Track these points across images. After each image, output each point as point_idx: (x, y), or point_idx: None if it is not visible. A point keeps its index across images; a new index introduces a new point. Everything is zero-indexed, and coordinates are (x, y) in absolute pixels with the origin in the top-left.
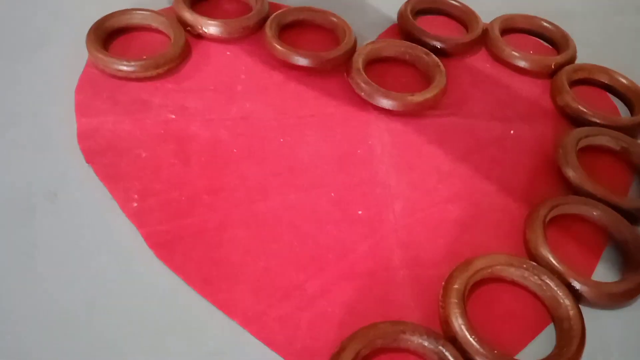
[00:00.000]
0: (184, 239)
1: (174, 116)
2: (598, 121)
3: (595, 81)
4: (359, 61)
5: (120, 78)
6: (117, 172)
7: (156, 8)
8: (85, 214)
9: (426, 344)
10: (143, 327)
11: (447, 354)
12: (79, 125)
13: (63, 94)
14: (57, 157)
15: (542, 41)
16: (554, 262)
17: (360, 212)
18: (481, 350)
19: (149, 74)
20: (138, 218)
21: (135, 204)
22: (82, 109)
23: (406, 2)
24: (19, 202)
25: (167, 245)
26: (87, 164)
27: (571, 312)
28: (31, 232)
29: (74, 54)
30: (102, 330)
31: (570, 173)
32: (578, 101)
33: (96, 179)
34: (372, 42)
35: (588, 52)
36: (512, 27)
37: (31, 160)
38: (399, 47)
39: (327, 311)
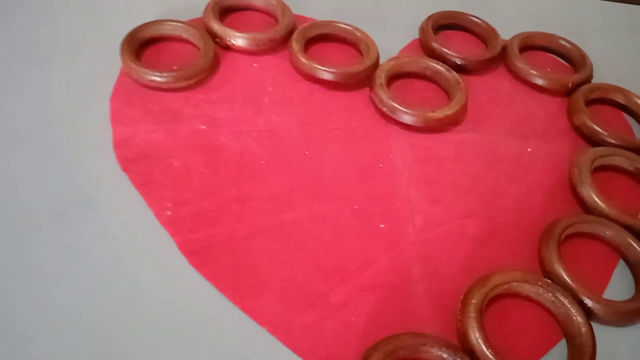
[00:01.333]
0: (214, 247)
1: (204, 127)
2: (613, 141)
3: (611, 101)
4: (381, 77)
5: (152, 88)
6: (151, 180)
7: (187, 17)
8: (120, 221)
9: (445, 356)
10: (175, 331)
11: None
12: (115, 133)
13: (98, 102)
14: (93, 164)
15: (560, 59)
16: (567, 279)
17: (382, 226)
18: None
19: (180, 85)
20: (172, 226)
21: (168, 212)
22: (117, 117)
23: (428, 18)
24: (58, 206)
25: (199, 253)
26: (122, 172)
27: (583, 329)
28: (69, 236)
29: (108, 62)
30: (137, 333)
31: (585, 192)
32: (594, 121)
33: (131, 187)
34: (395, 58)
35: (605, 71)
36: (531, 45)
37: (69, 167)
38: (420, 64)
39: (350, 320)
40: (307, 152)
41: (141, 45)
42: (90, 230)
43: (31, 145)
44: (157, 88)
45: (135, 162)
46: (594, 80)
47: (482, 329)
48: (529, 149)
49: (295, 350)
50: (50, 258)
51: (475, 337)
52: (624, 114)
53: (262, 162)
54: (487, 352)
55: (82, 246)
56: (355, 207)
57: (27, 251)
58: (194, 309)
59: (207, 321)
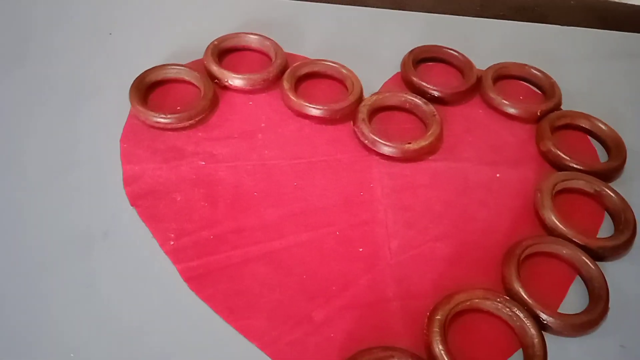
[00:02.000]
0: (212, 273)
1: (204, 163)
2: (576, 166)
3: (577, 126)
4: (364, 111)
5: (158, 128)
6: (157, 213)
7: (190, 59)
8: (131, 251)
9: None
10: (178, 348)
11: None
12: (125, 171)
13: (110, 142)
14: (107, 200)
15: (532, 87)
16: (524, 296)
17: (361, 250)
18: None
19: (182, 124)
20: (174, 255)
21: (172, 242)
22: (126, 156)
23: (409, 52)
24: (79, 239)
25: (198, 279)
26: (131, 207)
27: (536, 340)
28: (89, 265)
29: (120, 104)
30: (146, 351)
31: (546, 215)
32: (559, 147)
33: (139, 220)
34: (377, 93)
35: (577, 97)
36: (505, 74)
37: (88, 202)
38: (400, 97)
39: (331, 337)
40: (295, 184)
41: (148, 88)
42: (105, 259)
43: (52, 183)
44: (163, 128)
45: (143, 197)
46: (565, 107)
47: (445, 341)
48: (498, 175)
49: None
50: (73, 285)
51: (439, 349)
52: (590, 138)
53: (256, 193)
54: None
55: (100, 274)
56: (338, 233)
57: (54, 280)
58: (193, 328)
59: (205, 339)
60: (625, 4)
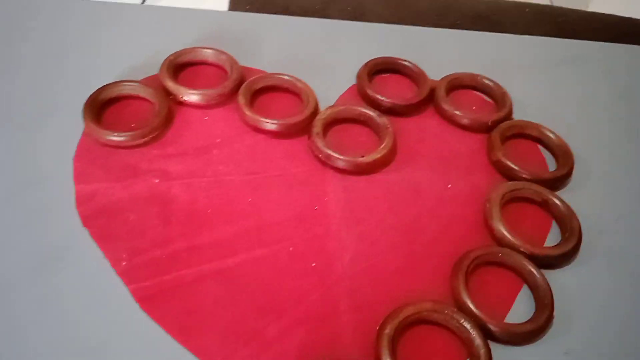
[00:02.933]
0: (165, 292)
1: (157, 180)
2: (525, 176)
3: (527, 135)
4: (318, 125)
5: (112, 146)
6: (110, 233)
7: (146, 74)
8: (83, 272)
9: None
10: None
11: None
12: (77, 191)
13: (65, 161)
14: (61, 220)
15: (485, 97)
16: (472, 307)
17: (314, 264)
18: None
19: (136, 142)
20: (127, 275)
21: (124, 263)
22: (79, 176)
23: (364, 65)
24: (32, 261)
25: (150, 299)
26: (83, 227)
27: (482, 350)
28: (41, 288)
29: (74, 123)
30: None
31: (495, 225)
32: (508, 157)
33: (92, 241)
34: (331, 107)
35: (527, 105)
36: (458, 85)
37: (41, 223)
38: (354, 111)
39: (283, 352)
40: (250, 199)
41: (102, 105)
42: (58, 282)
43: (3, 205)
44: (116, 146)
45: (96, 217)
46: (517, 115)
47: (394, 354)
48: (449, 185)
49: None
50: (24, 308)
51: None
52: (539, 147)
53: (209, 210)
54: None
55: (51, 297)
56: (291, 248)
57: (5, 304)
58: (146, 349)
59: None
60: (579, 10)
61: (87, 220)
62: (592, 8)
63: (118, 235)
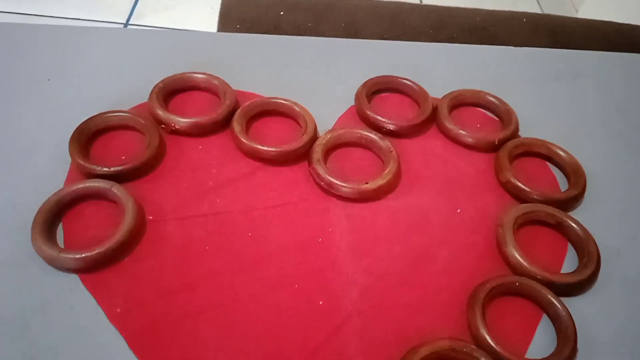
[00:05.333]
0: (162, 339)
1: (151, 217)
2: (537, 197)
3: (536, 153)
4: (318, 152)
5: None
6: (102, 279)
7: (136, 102)
8: (72, 322)
9: None
10: None
11: None
12: (65, 233)
13: None
14: (47, 268)
15: (489, 114)
16: (491, 342)
17: (320, 303)
18: None
19: (127, 177)
20: (121, 323)
21: (118, 310)
22: (67, 216)
23: (362, 85)
24: (15, 313)
25: (147, 347)
26: (73, 273)
27: None
28: (28, 342)
29: (59, 158)
30: None
31: (509, 252)
32: (518, 177)
33: (83, 287)
34: (331, 131)
35: (533, 121)
36: (461, 103)
37: (23, 272)
38: (355, 134)
39: None
40: (250, 234)
41: (90, 138)
42: (44, 334)
43: None
44: None
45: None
46: (522, 132)
47: None
48: (458, 210)
49: None
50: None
51: None
52: (549, 164)
53: (207, 248)
54: None
55: (40, 350)
56: (296, 286)
57: None
58: None
59: None
60: (575, 18)
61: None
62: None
63: (111, 280)
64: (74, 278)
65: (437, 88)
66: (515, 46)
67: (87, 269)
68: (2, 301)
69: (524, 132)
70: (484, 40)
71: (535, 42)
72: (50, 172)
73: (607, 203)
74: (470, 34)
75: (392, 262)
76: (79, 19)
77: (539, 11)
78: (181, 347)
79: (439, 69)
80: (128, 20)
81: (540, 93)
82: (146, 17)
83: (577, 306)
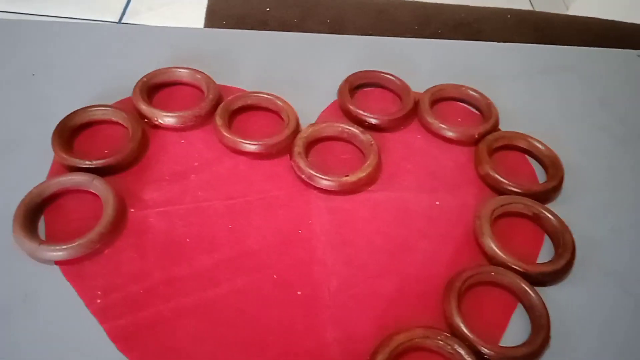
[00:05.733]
0: (142, 330)
1: (132, 210)
2: (515, 189)
3: (515, 147)
4: (300, 145)
5: None
6: (82, 270)
7: (119, 97)
8: (54, 313)
9: None
10: None
11: None
12: (47, 225)
13: None
14: (28, 259)
15: (470, 108)
16: (465, 331)
17: (299, 293)
18: None
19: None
20: (101, 314)
21: (98, 301)
22: (49, 208)
23: (345, 80)
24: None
25: (127, 339)
26: (54, 265)
27: None
28: (8, 334)
29: (42, 152)
30: None
31: (485, 243)
32: (497, 170)
33: (64, 279)
34: (313, 125)
35: (514, 115)
36: (442, 97)
37: (4, 264)
38: (336, 128)
39: None
40: (231, 226)
41: (72, 132)
42: (26, 324)
43: None
44: None
45: None
46: (503, 126)
47: None
48: (437, 202)
49: None
50: None
51: None
52: (528, 157)
53: (188, 239)
54: None
55: (20, 340)
56: (275, 276)
57: None
58: None
59: None
60: (560, 14)
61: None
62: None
63: (91, 271)
64: (55, 270)
65: (422, 83)
66: (500, 42)
67: (68, 261)
68: None
69: (506, 127)
70: (469, 36)
71: (520, 38)
72: (33, 166)
73: (586, 195)
74: (456, 30)
75: (371, 253)
76: (72, 18)
77: (530, 8)
78: (161, 338)
79: (423, 64)
80: (121, 19)
81: (523, 88)
82: (139, 15)
83: (552, 296)
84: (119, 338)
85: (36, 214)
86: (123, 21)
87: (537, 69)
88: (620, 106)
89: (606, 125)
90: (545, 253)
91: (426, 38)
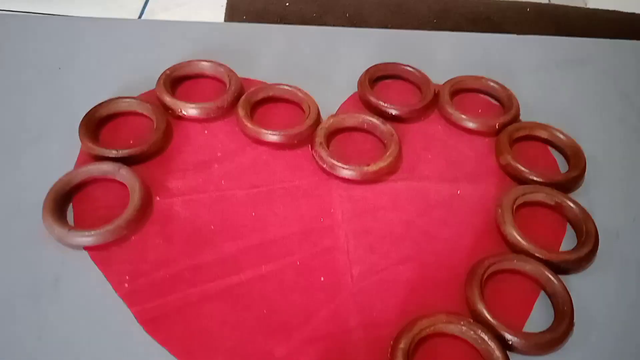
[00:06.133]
0: (168, 314)
1: (158, 198)
2: (536, 179)
3: (536, 137)
4: (321, 135)
5: None
6: (110, 256)
7: (144, 89)
8: (83, 296)
9: None
10: None
11: None
12: (75, 212)
13: None
14: (59, 245)
15: (490, 99)
16: (488, 317)
17: (322, 279)
18: None
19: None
20: (129, 298)
21: (126, 285)
22: (77, 196)
23: (365, 72)
24: (27, 289)
25: (154, 321)
26: (83, 250)
27: None
28: (39, 316)
29: (70, 143)
30: None
31: (507, 231)
32: (518, 160)
33: (92, 264)
34: (333, 115)
35: (534, 107)
36: (462, 88)
37: (37, 249)
38: (357, 118)
39: None
40: (254, 214)
41: (99, 123)
42: (57, 307)
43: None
44: None
45: None
46: (523, 117)
47: None
48: (458, 192)
49: None
50: (22, 338)
51: None
52: (549, 148)
53: (212, 227)
54: None
55: (50, 324)
56: (298, 263)
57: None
58: None
59: None
60: (579, 7)
61: None
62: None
63: (118, 256)
64: (84, 255)
65: (441, 75)
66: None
67: (96, 247)
68: (15, 278)
69: (526, 119)
70: (488, 29)
71: (539, 31)
72: (61, 156)
73: (608, 186)
74: (474, 23)
75: (393, 241)
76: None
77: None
78: (186, 321)
79: (442, 57)
80: (140, 17)
81: (543, 80)
82: (157, 15)
83: (575, 284)
84: (147, 321)
85: (65, 201)
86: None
87: (556, 61)
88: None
89: (626, 118)
90: (568, 243)
91: (444, 30)
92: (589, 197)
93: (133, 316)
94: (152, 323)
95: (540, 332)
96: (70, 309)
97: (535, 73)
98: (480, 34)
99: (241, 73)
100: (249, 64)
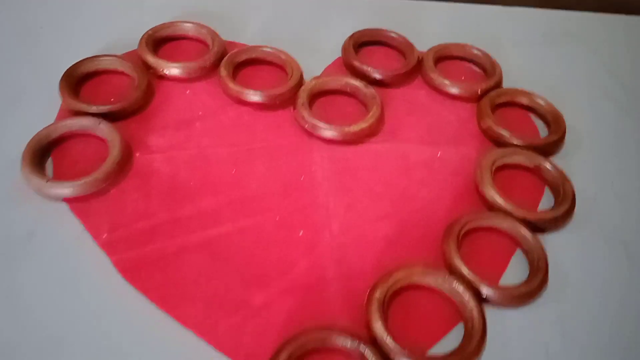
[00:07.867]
0: (147, 263)
1: (138, 154)
2: (516, 142)
3: (517, 103)
4: (303, 96)
5: None
6: (89, 207)
7: (124, 51)
8: (62, 247)
9: (349, 345)
10: (116, 340)
11: (367, 353)
12: (55, 166)
13: None
14: (34, 198)
15: (474, 67)
16: (464, 270)
17: (301, 233)
18: (394, 348)
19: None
20: (108, 247)
21: (105, 235)
22: (57, 150)
23: (349, 37)
24: (8, 237)
25: (133, 270)
26: (62, 202)
27: (475, 313)
28: (15, 272)
29: (50, 101)
30: (79, 346)
31: (486, 190)
32: (499, 124)
33: (70, 215)
34: (316, 77)
35: (517, 77)
36: (446, 55)
37: (10, 203)
38: (340, 81)
39: (269, 321)
40: (234, 171)
41: (79, 80)
42: (37, 256)
43: None
44: None
45: None
46: (506, 86)
47: (384, 318)
48: (439, 154)
49: (220, 348)
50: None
51: (377, 326)
52: (530, 115)
53: (192, 183)
54: (387, 339)
55: (29, 277)
56: (278, 218)
57: None
58: (129, 319)
59: (141, 329)
60: None
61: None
62: None
63: (98, 209)
64: (63, 206)
65: (426, 45)
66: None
67: (75, 198)
68: None
69: (508, 86)
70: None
71: (528, 3)
72: (41, 112)
73: (587, 152)
74: None
75: (372, 200)
76: None
77: None
78: (165, 270)
79: (428, 27)
80: None
81: (529, 52)
82: None
83: (551, 243)
84: (126, 269)
85: (44, 154)
86: None
87: (541, 33)
88: (625, 74)
89: (611, 92)
90: (545, 205)
91: (431, 0)
92: (568, 162)
93: (112, 265)
94: (131, 272)
95: (515, 285)
96: (51, 258)
97: (518, 45)
98: (467, 5)
99: (225, 36)
100: (235, 28)
